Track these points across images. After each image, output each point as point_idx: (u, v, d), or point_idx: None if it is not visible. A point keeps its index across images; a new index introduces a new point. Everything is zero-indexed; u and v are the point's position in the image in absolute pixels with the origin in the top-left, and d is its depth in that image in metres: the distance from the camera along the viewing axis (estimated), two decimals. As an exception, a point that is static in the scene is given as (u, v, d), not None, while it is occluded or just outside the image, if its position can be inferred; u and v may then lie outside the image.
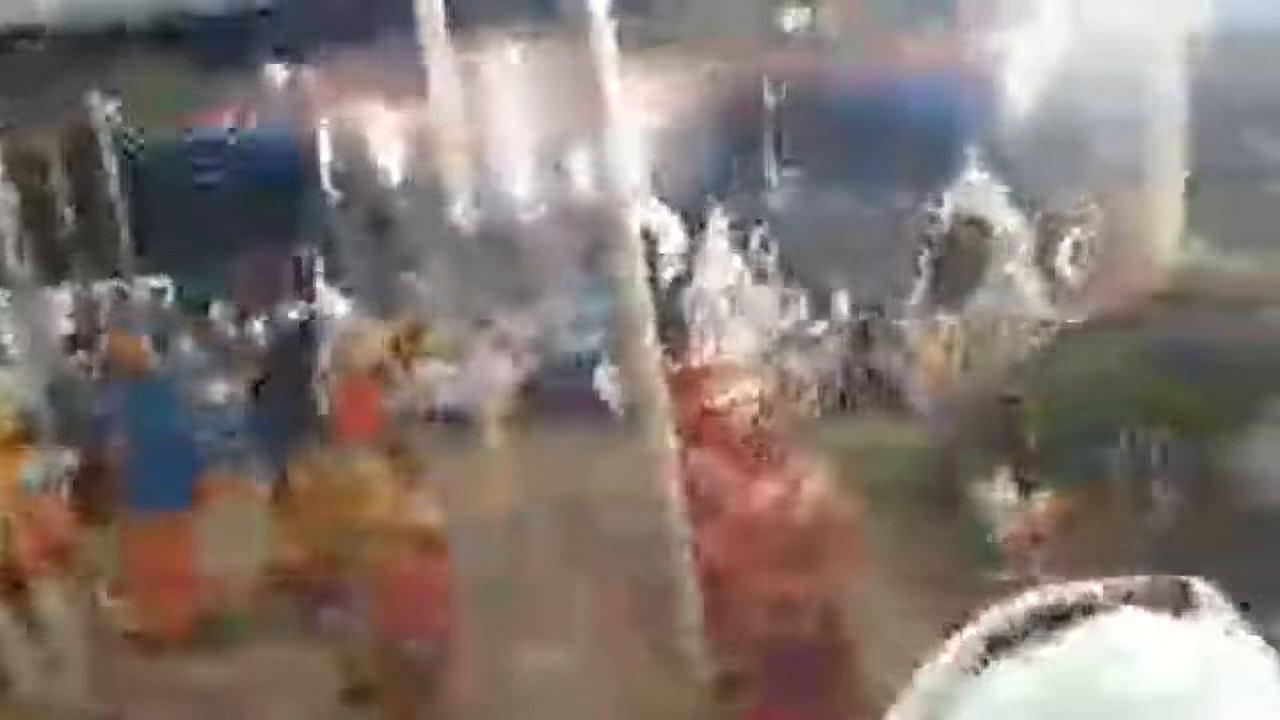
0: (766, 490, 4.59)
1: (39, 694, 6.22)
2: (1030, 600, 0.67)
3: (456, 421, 10.12)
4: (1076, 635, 0.63)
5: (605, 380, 9.09)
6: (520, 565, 7.10)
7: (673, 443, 4.83)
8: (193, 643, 6.65)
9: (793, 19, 13.81)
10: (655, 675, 5.20)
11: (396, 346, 6.87)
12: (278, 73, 15.50)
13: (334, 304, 12.31)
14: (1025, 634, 0.64)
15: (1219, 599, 0.64)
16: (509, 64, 14.23)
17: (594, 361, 9.90)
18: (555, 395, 10.32)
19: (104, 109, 13.76)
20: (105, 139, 13.55)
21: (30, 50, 12.93)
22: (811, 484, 4.67)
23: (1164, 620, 0.63)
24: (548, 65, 12.43)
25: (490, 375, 10.58)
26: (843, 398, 10.19)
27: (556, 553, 7.15)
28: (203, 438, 9.04)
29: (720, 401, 4.61)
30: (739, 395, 4.63)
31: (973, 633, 0.67)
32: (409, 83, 13.87)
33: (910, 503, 6.15)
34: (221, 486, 7.57)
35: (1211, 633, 0.63)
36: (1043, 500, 5.95)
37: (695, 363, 6.14)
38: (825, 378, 10.20)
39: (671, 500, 4.76)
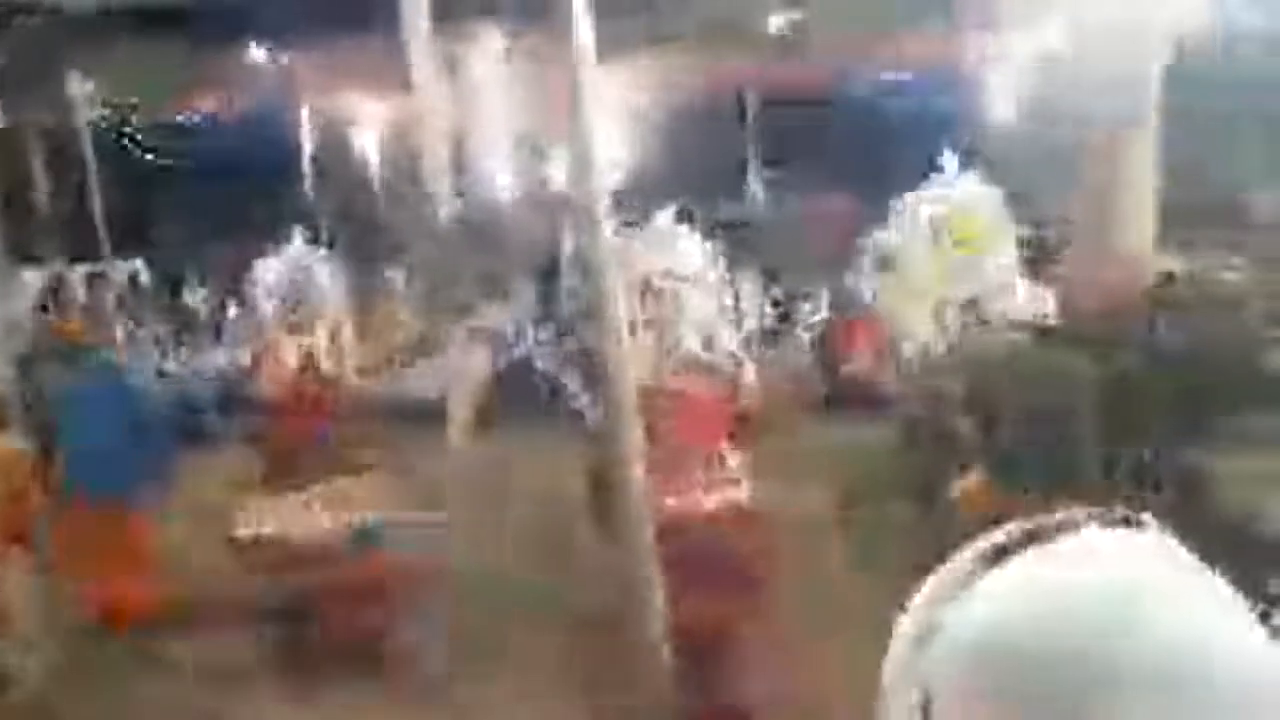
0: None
1: (20, 688, 6.08)
2: (984, 541, 0.75)
3: (428, 416, 10.00)
4: (1036, 554, 0.71)
5: (572, 376, 8.97)
6: (492, 558, 7.03)
7: (640, 434, 4.76)
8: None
9: (779, 21, 13.79)
10: (623, 673, 5.13)
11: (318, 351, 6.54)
12: (261, 59, 15.38)
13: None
14: (990, 563, 0.72)
15: (1158, 526, 0.72)
16: (492, 58, 14.16)
17: (565, 355, 9.84)
18: (526, 389, 10.25)
19: (84, 90, 13.58)
20: (84, 120, 13.38)
21: (8, 28, 12.75)
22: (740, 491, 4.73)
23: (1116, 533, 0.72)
24: (531, 60, 12.38)
25: (464, 369, 10.46)
26: (826, 398, 10.16)
27: (528, 547, 7.09)
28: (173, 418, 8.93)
29: None
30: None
31: (944, 569, 0.75)
32: (392, 73, 13.79)
33: (888, 499, 6.13)
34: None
35: (1159, 539, 0.72)
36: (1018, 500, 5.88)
37: None
38: (805, 376, 10.18)
39: (638, 495, 4.69)
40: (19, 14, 12.88)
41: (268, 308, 6.30)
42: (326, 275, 6.43)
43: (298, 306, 6.28)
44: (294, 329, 6.25)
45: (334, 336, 6.40)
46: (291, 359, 6.24)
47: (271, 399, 6.28)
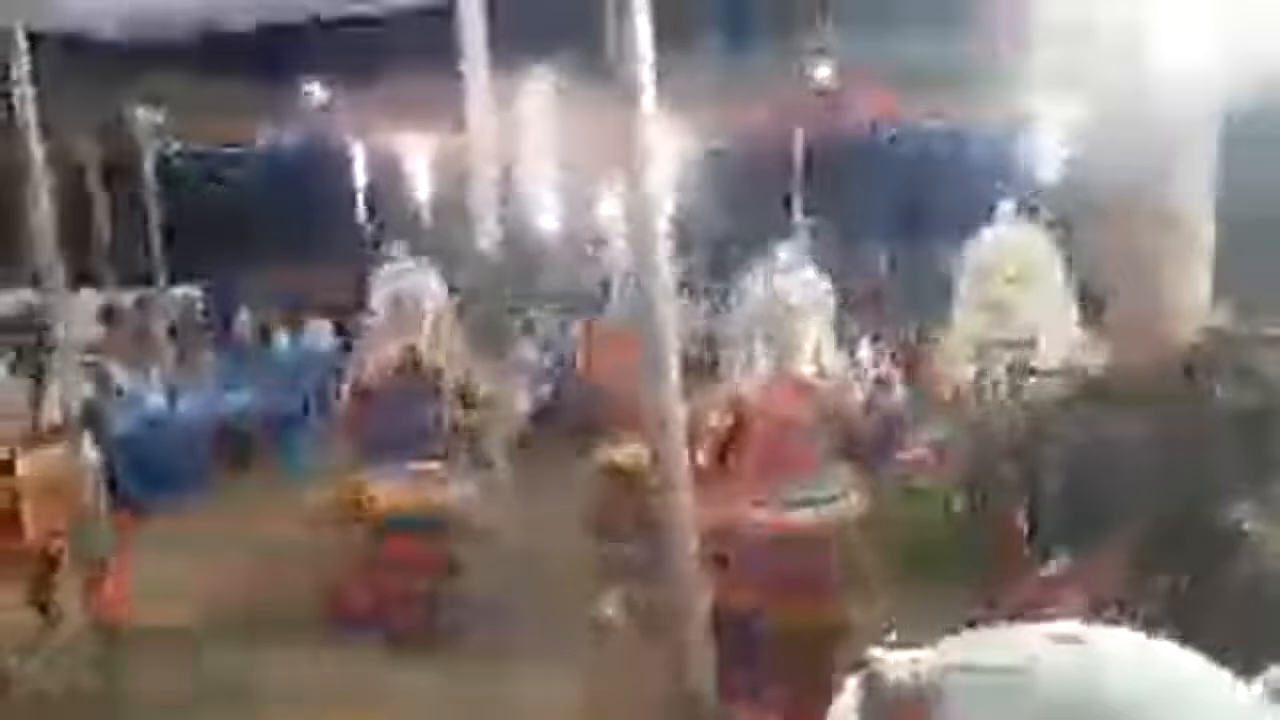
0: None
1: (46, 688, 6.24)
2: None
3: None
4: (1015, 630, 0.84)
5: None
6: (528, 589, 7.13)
7: (686, 469, 4.84)
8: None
9: (824, 72, 13.97)
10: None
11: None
12: (318, 92, 15.76)
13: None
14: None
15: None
16: (547, 100, 14.44)
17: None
18: (568, 421, 10.36)
19: (145, 119, 13.99)
20: (144, 148, 13.76)
21: (73, 56, 13.12)
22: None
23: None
24: (585, 103, 12.61)
25: (505, 398, 10.60)
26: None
27: (564, 578, 7.18)
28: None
29: None
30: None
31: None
32: (446, 111, 14.09)
33: (934, 541, 6.18)
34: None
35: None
36: (1057, 560, 5.88)
37: None
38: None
39: (684, 525, 4.77)
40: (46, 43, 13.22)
41: (380, 314, 6.79)
42: (427, 281, 6.91)
43: (403, 310, 6.77)
44: (400, 330, 6.75)
45: (435, 334, 6.84)
46: (395, 356, 6.72)
47: (373, 394, 6.69)
